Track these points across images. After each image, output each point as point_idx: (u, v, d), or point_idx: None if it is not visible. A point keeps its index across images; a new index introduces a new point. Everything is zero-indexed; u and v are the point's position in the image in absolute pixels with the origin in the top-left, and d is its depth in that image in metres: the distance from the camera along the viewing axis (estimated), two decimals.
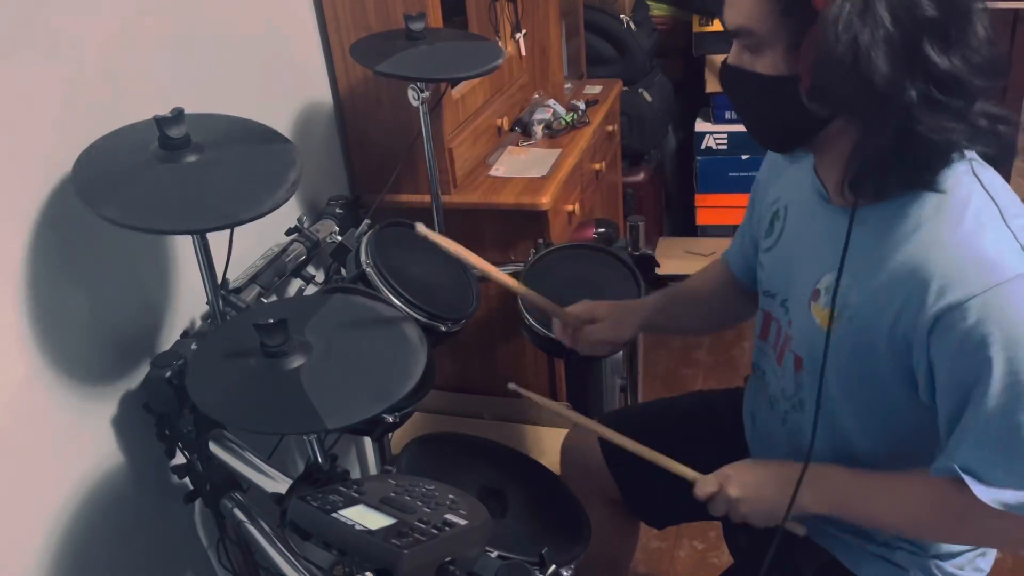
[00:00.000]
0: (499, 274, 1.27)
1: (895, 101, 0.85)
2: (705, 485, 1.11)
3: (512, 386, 1.24)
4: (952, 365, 0.90)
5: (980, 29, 0.88)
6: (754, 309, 1.26)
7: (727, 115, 2.93)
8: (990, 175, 0.95)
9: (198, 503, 1.36)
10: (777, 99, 0.95)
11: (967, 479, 0.92)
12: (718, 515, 1.12)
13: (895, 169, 0.91)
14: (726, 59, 1.00)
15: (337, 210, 1.66)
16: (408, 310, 1.34)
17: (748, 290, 1.30)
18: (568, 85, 2.46)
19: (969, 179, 0.93)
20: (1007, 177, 0.98)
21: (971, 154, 0.94)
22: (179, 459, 1.28)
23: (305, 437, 1.11)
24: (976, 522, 0.96)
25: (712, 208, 3.09)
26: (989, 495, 0.91)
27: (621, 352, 1.75)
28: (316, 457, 1.12)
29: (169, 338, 1.36)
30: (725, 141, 2.96)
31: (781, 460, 1.12)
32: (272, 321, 0.96)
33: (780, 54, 0.92)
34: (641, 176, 2.91)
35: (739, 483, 1.09)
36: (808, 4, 0.87)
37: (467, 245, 1.34)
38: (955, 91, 0.86)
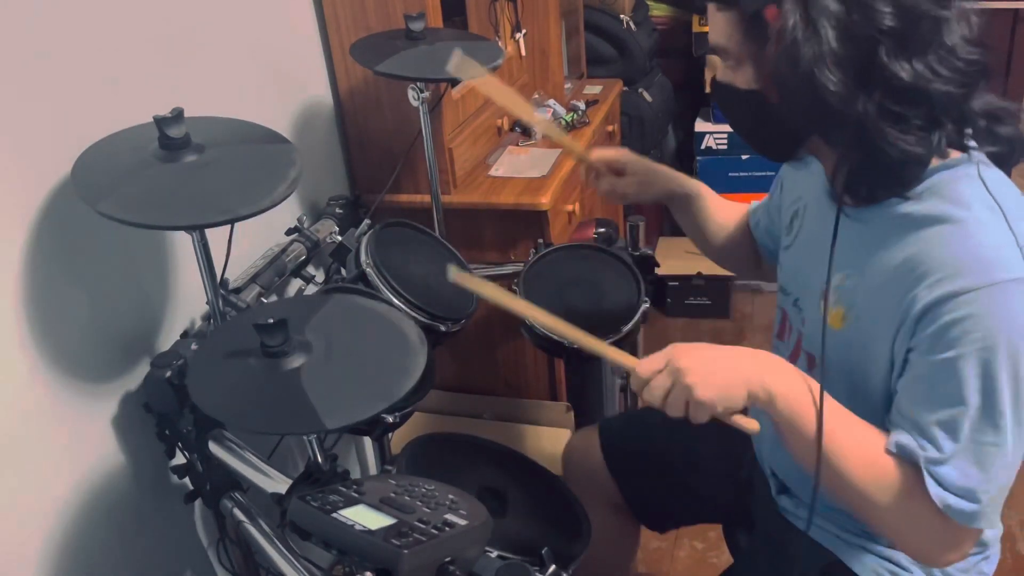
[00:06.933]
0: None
1: (848, 116, 0.85)
2: (650, 363, 0.94)
3: (455, 273, 1.02)
4: (930, 350, 0.89)
5: (961, 29, 0.87)
6: (748, 271, 1.38)
7: None
8: (996, 176, 0.94)
9: (198, 503, 1.36)
10: (758, 112, 0.97)
11: (927, 477, 0.89)
12: (657, 403, 0.93)
13: (874, 176, 0.91)
14: (715, 76, 1.02)
15: (337, 210, 1.67)
16: (408, 310, 1.34)
17: (756, 244, 1.34)
18: (568, 85, 2.46)
19: (974, 180, 0.92)
20: (1007, 174, 0.97)
21: (979, 155, 0.94)
22: (179, 459, 1.28)
23: (305, 437, 1.11)
24: (909, 508, 0.92)
25: None
26: (938, 492, 0.89)
27: None
28: (316, 457, 1.12)
29: (169, 338, 1.36)
30: (725, 141, 2.95)
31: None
32: (272, 321, 0.96)
33: (752, 70, 0.94)
34: None
35: (689, 354, 0.93)
36: (763, 22, 0.89)
37: (467, 245, 1.34)
38: (919, 101, 0.86)
